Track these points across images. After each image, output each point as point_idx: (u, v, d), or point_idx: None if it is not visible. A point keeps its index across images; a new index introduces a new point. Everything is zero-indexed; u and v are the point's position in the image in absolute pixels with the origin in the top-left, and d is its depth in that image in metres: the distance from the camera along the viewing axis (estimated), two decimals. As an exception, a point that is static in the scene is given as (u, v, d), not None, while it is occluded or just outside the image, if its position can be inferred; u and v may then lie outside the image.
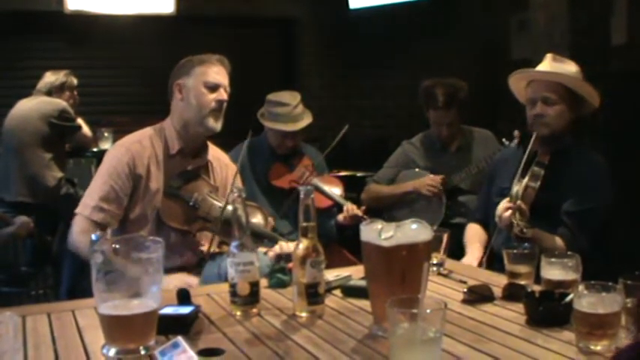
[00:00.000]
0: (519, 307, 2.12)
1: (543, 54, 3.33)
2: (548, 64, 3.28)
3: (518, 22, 6.72)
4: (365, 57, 7.62)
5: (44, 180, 5.38)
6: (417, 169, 4.51)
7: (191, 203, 3.07)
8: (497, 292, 2.30)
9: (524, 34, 6.30)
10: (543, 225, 3.09)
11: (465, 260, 3.27)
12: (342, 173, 5.32)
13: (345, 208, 4.09)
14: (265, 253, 2.83)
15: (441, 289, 2.44)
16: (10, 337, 1.61)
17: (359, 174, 5.52)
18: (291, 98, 4.33)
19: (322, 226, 3.45)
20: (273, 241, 2.98)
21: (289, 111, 4.29)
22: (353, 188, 4.86)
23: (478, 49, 7.08)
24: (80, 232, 3.00)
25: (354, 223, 4.03)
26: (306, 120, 4.31)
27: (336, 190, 4.27)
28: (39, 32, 7.27)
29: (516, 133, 3.84)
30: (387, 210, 4.53)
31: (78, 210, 3.07)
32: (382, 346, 1.81)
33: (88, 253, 2.86)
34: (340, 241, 4.33)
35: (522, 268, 2.42)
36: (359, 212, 4.03)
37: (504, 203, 3.08)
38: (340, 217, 4.10)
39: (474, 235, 3.50)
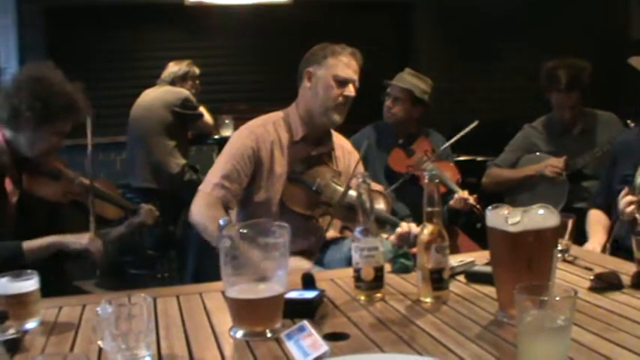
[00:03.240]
0: (651, 295, 2.06)
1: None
2: None
3: (640, -1, 6.48)
4: (482, 39, 7.51)
5: (168, 167, 5.55)
6: (538, 153, 4.44)
7: (314, 188, 3.10)
8: (626, 280, 2.22)
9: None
10: None
11: (588, 246, 3.18)
12: (462, 158, 5.26)
13: (456, 194, 4.05)
14: (387, 238, 2.83)
15: (566, 275, 2.38)
16: (144, 317, 1.66)
17: (478, 158, 5.45)
18: (414, 72, 4.43)
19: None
20: (395, 227, 2.97)
21: (401, 74, 4.44)
22: (472, 173, 4.81)
23: (597, 27, 6.86)
24: (201, 207, 3.08)
25: (464, 209, 4.00)
26: (406, 85, 4.32)
27: (450, 177, 4.23)
28: (161, 24, 7.46)
29: (631, 123, 3.72)
30: (508, 194, 4.48)
31: (201, 187, 3.15)
32: (508, 332, 1.79)
33: (211, 231, 2.95)
34: (450, 228, 4.30)
35: (653, 256, 2.34)
36: (470, 199, 3.99)
37: (627, 197, 2.96)
38: (451, 202, 4.06)
39: (597, 221, 3.38)
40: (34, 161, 3.00)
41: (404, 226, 2.87)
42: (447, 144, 4.32)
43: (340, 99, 3.12)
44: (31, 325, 1.99)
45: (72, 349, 1.83)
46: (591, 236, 3.29)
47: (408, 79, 4.38)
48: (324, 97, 3.12)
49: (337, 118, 3.15)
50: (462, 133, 4.16)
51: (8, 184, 2.91)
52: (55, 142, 2.99)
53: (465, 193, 4.01)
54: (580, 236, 3.24)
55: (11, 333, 1.83)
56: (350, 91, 3.13)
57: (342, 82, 3.12)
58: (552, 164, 4.30)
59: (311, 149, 3.23)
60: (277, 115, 3.27)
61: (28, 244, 2.83)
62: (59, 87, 2.92)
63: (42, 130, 2.91)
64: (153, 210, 3.56)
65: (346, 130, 3.50)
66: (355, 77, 3.16)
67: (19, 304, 1.98)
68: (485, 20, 7.30)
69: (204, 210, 3.06)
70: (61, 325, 2.04)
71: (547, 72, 4.31)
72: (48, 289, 2.10)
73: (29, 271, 2.02)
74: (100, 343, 1.71)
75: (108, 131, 6.37)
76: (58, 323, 2.06)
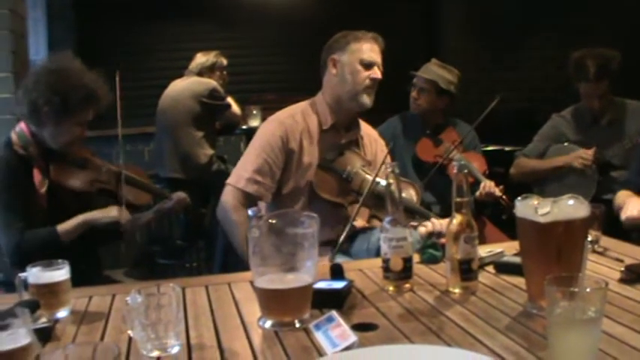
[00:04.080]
0: (682, 287, 2.03)
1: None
2: None
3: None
4: (510, 28, 7.46)
5: (196, 157, 5.57)
6: (566, 143, 4.40)
7: (344, 176, 3.12)
8: (657, 270, 2.20)
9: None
10: None
11: (627, 211, 2.99)
12: (490, 148, 5.24)
13: (482, 185, 4.03)
14: (415, 228, 2.82)
15: (596, 267, 2.36)
16: (174, 307, 1.67)
17: (507, 148, 5.44)
18: (442, 65, 4.40)
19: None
20: (424, 217, 2.96)
21: (427, 64, 4.43)
22: (501, 163, 4.79)
23: (629, 15, 6.78)
24: (233, 204, 3.10)
25: (490, 200, 3.98)
26: (433, 77, 4.30)
27: (477, 167, 4.22)
28: (189, 15, 7.49)
29: None
30: (536, 184, 4.45)
31: (231, 181, 3.15)
32: (537, 324, 1.78)
33: (240, 224, 2.98)
34: (477, 218, 4.28)
35: (684, 247, 2.31)
36: (496, 190, 3.97)
37: None
38: (476, 193, 4.04)
39: (627, 195, 3.26)
40: (61, 152, 3.02)
41: (435, 223, 2.86)
42: (473, 125, 4.30)
43: (368, 81, 3.14)
44: (62, 314, 2.01)
45: (102, 338, 1.85)
46: (626, 204, 3.06)
47: (433, 70, 4.37)
48: (352, 82, 3.14)
49: (367, 100, 3.16)
50: (485, 112, 4.12)
51: (37, 176, 2.93)
52: (78, 133, 3.00)
53: (491, 185, 3.99)
54: (609, 227, 3.19)
55: (43, 322, 1.85)
56: (376, 73, 3.16)
57: (368, 65, 3.15)
58: (582, 156, 4.26)
59: (340, 137, 3.24)
60: (304, 105, 3.28)
61: (62, 227, 2.88)
62: (76, 78, 2.92)
63: (63, 123, 2.92)
64: (185, 198, 3.57)
65: (372, 120, 3.50)
66: (379, 60, 3.19)
67: (51, 293, 2.00)
68: (512, 9, 7.25)
69: (235, 207, 3.08)
70: (92, 314, 2.06)
71: (575, 62, 4.27)
72: (78, 279, 2.12)
73: (60, 260, 2.04)
74: (129, 332, 1.73)
75: (136, 122, 6.41)
76: (88, 312, 2.08)
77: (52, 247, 2.65)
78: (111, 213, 2.98)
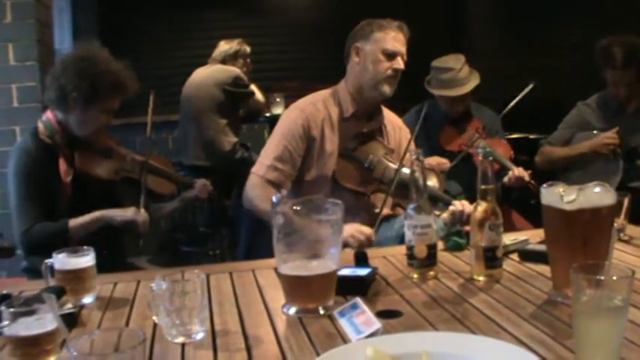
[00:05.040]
0: None
1: None
2: None
3: None
4: (536, 14, 7.39)
5: (220, 145, 5.57)
6: (593, 131, 4.37)
7: (366, 165, 3.11)
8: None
9: None
10: None
11: None
12: (515, 135, 5.21)
13: (511, 172, 4.01)
14: (438, 216, 2.81)
15: (622, 255, 2.34)
16: (198, 294, 1.68)
17: (532, 136, 5.40)
18: (455, 62, 4.34)
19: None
20: (447, 205, 2.95)
21: (454, 75, 4.32)
22: (526, 150, 4.76)
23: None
24: (254, 190, 3.11)
25: (519, 186, 3.97)
26: (473, 82, 4.27)
27: (502, 153, 4.19)
28: (213, 4, 7.49)
29: None
30: (561, 172, 4.42)
31: (253, 169, 3.18)
32: (562, 312, 1.77)
33: (262, 210, 2.98)
34: (504, 204, 4.27)
35: None
36: (525, 175, 3.95)
37: None
38: (505, 179, 4.03)
39: None
40: (86, 140, 3.03)
41: (457, 205, 2.85)
42: (503, 112, 4.29)
43: (390, 72, 3.13)
44: (87, 300, 2.03)
45: (127, 323, 1.86)
46: None
47: (466, 78, 4.31)
48: (373, 71, 3.13)
49: (388, 89, 3.15)
50: (516, 100, 4.10)
51: (62, 165, 2.95)
52: (104, 121, 3.01)
53: (520, 170, 3.98)
54: (636, 216, 3.18)
55: (69, 308, 1.87)
56: (399, 63, 3.14)
57: (391, 55, 3.13)
58: (605, 142, 4.22)
59: (362, 125, 3.23)
60: (326, 93, 3.28)
61: (75, 221, 2.88)
62: (104, 66, 2.94)
63: (90, 110, 2.93)
64: (207, 184, 3.60)
65: (396, 108, 3.48)
66: (403, 50, 3.17)
67: (76, 279, 2.02)
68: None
69: (256, 194, 3.09)
70: (117, 300, 2.08)
71: (602, 49, 4.23)
72: (102, 266, 2.13)
73: (85, 247, 2.06)
74: (154, 318, 1.74)
75: (160, 110, 6.41)
76: (113, 298, 2.10)
77: (59, 240, 2.63)
78: (128, 212, 2.96)
